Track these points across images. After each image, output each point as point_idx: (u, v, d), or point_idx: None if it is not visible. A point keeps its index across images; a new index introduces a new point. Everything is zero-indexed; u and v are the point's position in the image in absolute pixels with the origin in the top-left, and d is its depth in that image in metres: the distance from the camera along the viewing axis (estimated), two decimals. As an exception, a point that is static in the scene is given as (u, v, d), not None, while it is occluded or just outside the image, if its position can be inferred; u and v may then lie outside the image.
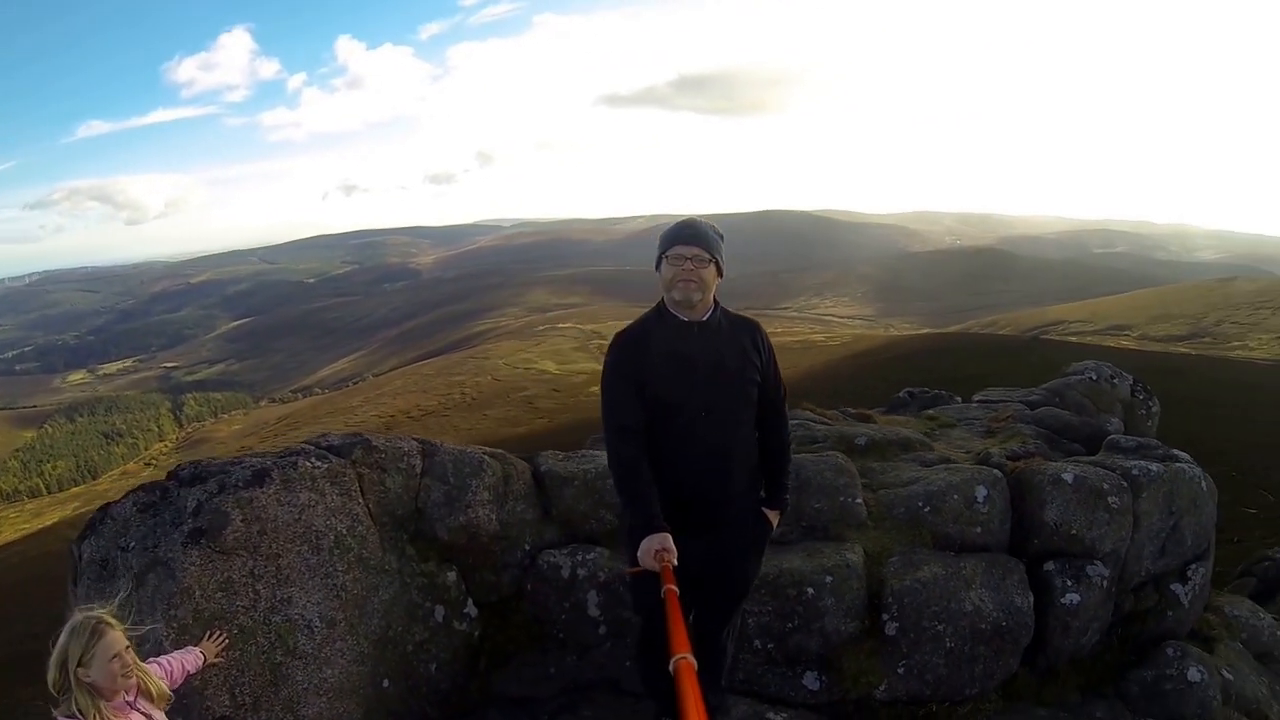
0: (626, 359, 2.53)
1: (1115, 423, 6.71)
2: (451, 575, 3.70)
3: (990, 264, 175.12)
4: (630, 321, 2.65)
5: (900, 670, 3.57)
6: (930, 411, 7.83)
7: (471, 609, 3.78)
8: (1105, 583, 4.01)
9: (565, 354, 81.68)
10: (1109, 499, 4.18)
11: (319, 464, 3.26)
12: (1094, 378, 8.03)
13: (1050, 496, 4.28)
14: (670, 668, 1.50)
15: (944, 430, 6.81)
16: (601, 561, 3.95)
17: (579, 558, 3.97)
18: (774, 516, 2.65)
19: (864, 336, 76.51)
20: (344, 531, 3.21)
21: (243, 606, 2.82)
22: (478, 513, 3.81)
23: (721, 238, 2.51)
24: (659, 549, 2.25)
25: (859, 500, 4.36)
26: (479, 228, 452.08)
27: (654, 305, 2.62)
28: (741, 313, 2.63)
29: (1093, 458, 4.85)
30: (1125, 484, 4.25)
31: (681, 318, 2.50)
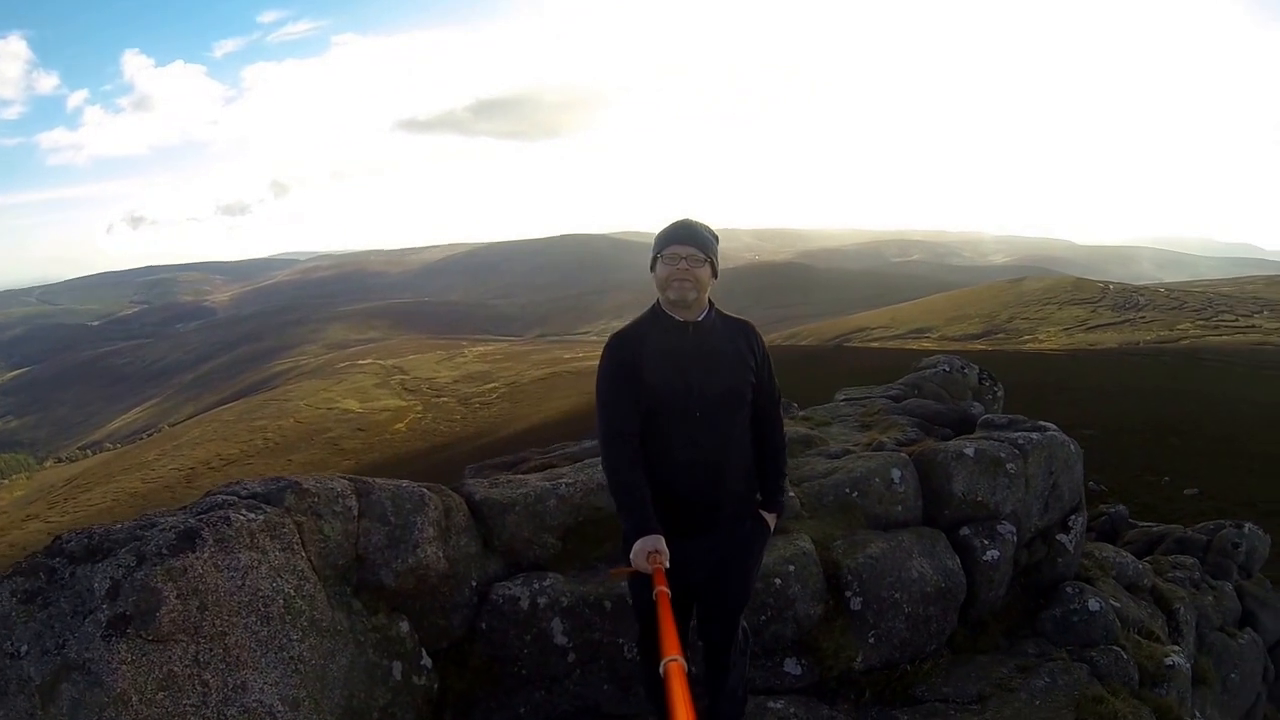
0: (621, 360, 2.46)
1: (977, 406, 7.50)
2: (404, 625, 3.30)
3: (789, 277, 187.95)
4: (624, 327, 2.56)
5: (871, 640, 3.74)
6: (803, 413, 8.25)
7: (426, 660, 3.40)
8: (1014, 538, 4.47)
9: (367, 391, 78.88)
10: (1007, 465, 4.67)
11: (253, 516, 2.77)
12: (947, 369, 8.98)
13: (955, 470, 4.70)
14: (660, 670, 1.48)
15: (823, 428, 7.09)
16: (560, 586, 3.74)
17: (535, 586, 3.73)
18: (771, 519, 2.64)
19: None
20: (292, 593, 2.74)
21: (191, 706, 2.29)
22: (426, 552, 3.45)
23: (716, 239, 2.50)
24: (651, 551, 2.22)
25: (790, 494, 4.51)
26: (275, 261, 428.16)
27: (649, 307, 2.57)
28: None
29: (983, 433, 5.38)
30: (1017, 451, 4.77)
31: (676, 318, 2.47)
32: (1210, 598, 5.49)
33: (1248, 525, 6.63)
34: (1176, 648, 4.13)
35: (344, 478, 3.45)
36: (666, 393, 2.41)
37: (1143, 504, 17.05)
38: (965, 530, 4.52)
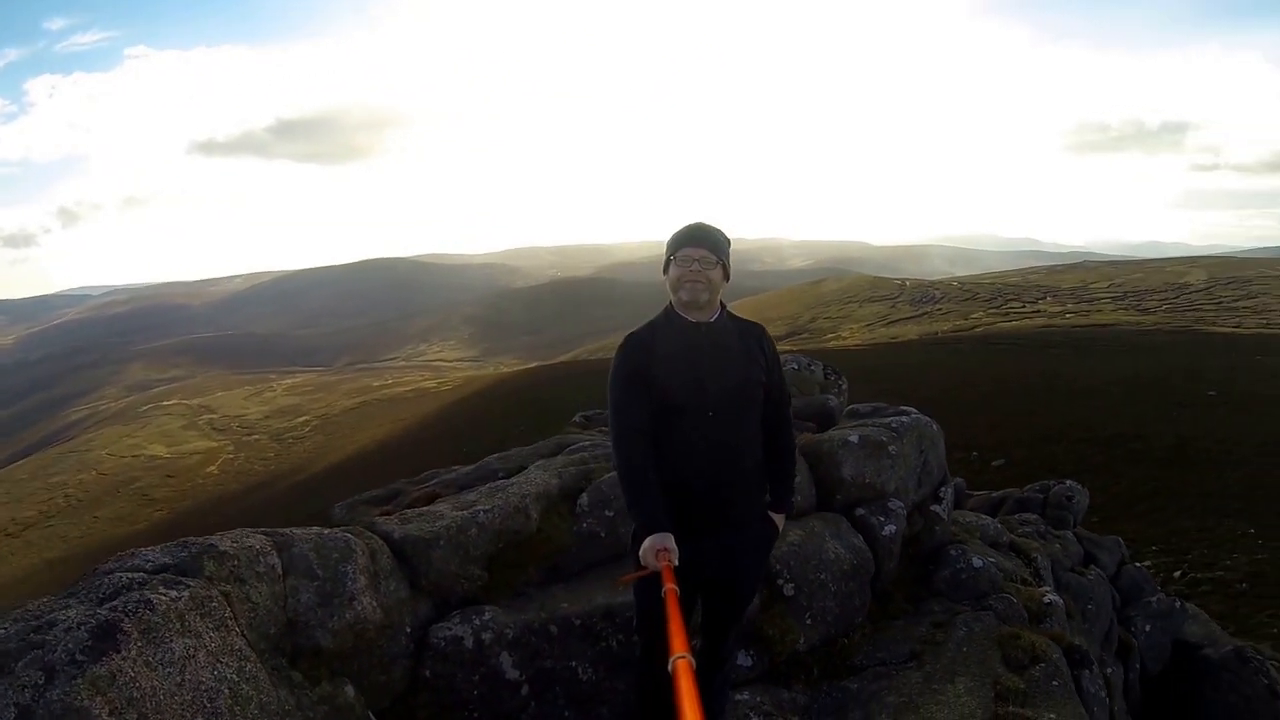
0: (634, 360, 2.49)
1: (833, 400, 8.11)
2: (349, 690, 3.01)
3: (591, 292, 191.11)
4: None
5: (808, 621, 3.97)
6: None
7: (371, 721, 3.13)
8: (904, 513, 4.94)
9: (175, 434, 72.41)
10: (889, 448, 5.14)
11: (175, 594, 2.39)
12: (795, 367, 9.61)
13: (844, 457, 5.08)
14: (669, 668, 1.50)
15: None
16: (501, 619, 3.59)
17: (476, 623, 3.56)
18: (779, 519, 2.71)
19: (475, 378, 78.76)
20: (235, 678, 2.39)
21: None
22: (362, 604, 3.18)
23: (728, 241, 2.56)
24: (661, 548, 2.23)
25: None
26: (65, 297, 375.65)
27: (661, 309, 2.61)
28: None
29: (857, 422, 5.87)
30: (894, 434, 5.27)
31: (689, 319, 2.51)
32: (1057, 545, 6.44)
33: (1069, 481, 7.84)
34: (1048, 588, 4.82)
35: (258, 532, 3.09)
36: (681, 392, 2.44)
37: (958, 478, 19.26)
38: (860, 510, 4.92)
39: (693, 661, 1.51)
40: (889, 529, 4.74)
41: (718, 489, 2.49)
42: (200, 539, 2.82)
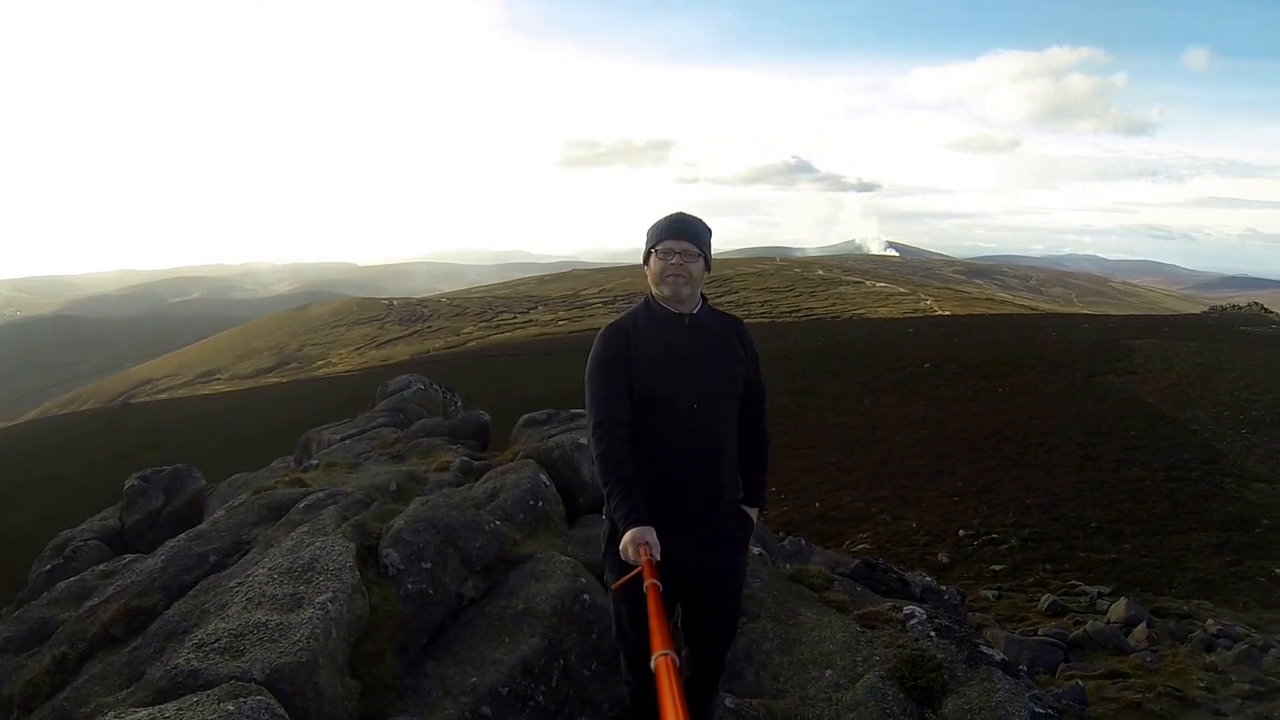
0: (615, 350, 2.39)
1: (485, 415, 8.06)
2: None
3: (58, 333, 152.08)
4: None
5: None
6: (312, 463, 7.22)
7: None
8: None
9: None
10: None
11: None
12: (422, 386, 9.18)
13: (581, 460, 5.22)
14: (650, 665, 1.47)
15: (356, 472, 6.19)
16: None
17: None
18: (753, 513, 2.66)
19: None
20: None
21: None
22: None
23: (710, 232, 2.46)
24: (642, 543, 2.16)
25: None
26: None
27: (641, 300, 2.50)
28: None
29: (563, 426, 6.06)
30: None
31: (671, 310, 2.42)
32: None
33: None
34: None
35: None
36: (665, 383, 2.34)
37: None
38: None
39: (676, 659, 1.46)
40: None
41: (701, 483, 2.44)
42: None
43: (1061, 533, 17.75)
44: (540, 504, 4.67)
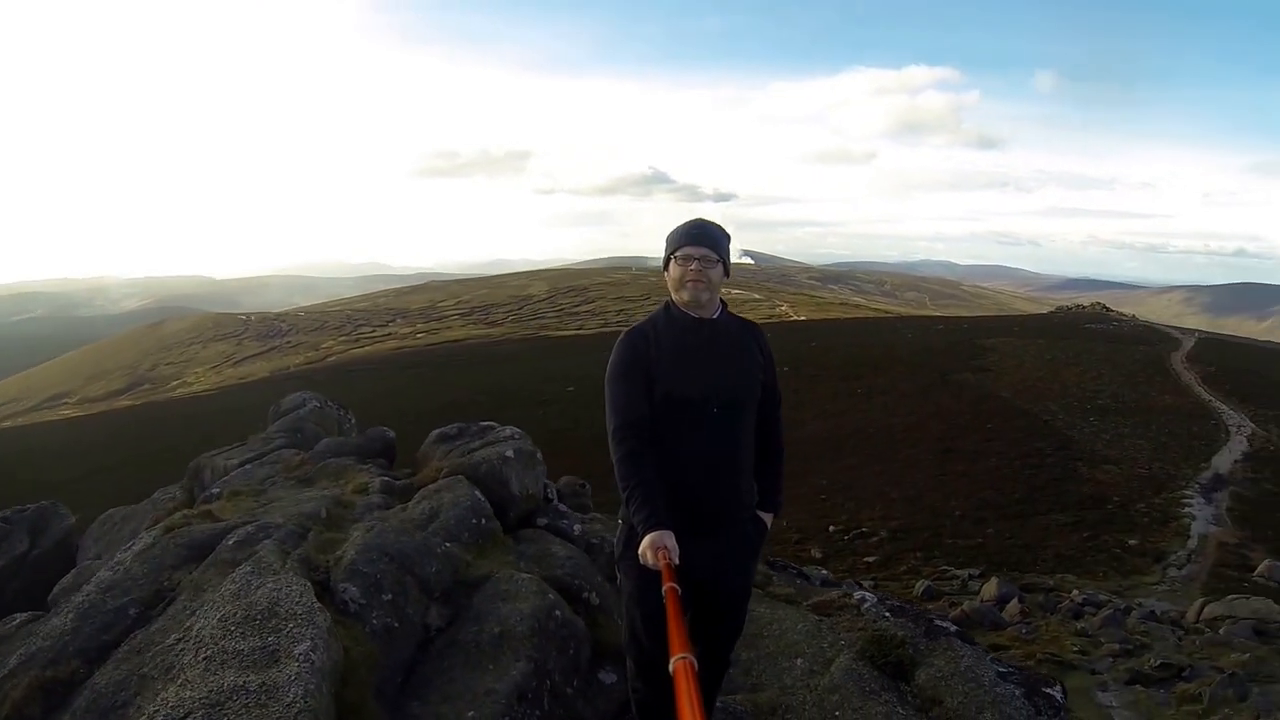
0: (635, 354, 2.40)
1: (390, 432, 7.68)
2: None
3: None
4: None
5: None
6: (213, 492, 6.61)
7: None
8: (565, 505, 5.35)
9: None
10: (535, 455, 5.45)
11: None
12: (318, 404, 8.62)
13: (509, 474, 5.16)
14: (669, 669, 1.48)
15: (271, 503, 5.57)
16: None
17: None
18: (768, 519, 2.66)
19: None
20: None
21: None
22: None
23: (728, 238, 2.48)
24: (660, 547, 2.19)
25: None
26: None
27: (661, 305, 2.52)
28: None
29: (485, 440, 5.89)
30: (527, 444, 5.55)
31: (691, 315, 2.43)
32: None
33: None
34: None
35: None
36: (683, 389, 2.35)
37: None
38: (542, 520, 5.14)
39: (694, 663, 1.47)
40: (579, 529, 5.07)
41: (720, 488, 2.45)
42: None
43: (928, 522, 18.92)
44: (484, 521, 4.56)
